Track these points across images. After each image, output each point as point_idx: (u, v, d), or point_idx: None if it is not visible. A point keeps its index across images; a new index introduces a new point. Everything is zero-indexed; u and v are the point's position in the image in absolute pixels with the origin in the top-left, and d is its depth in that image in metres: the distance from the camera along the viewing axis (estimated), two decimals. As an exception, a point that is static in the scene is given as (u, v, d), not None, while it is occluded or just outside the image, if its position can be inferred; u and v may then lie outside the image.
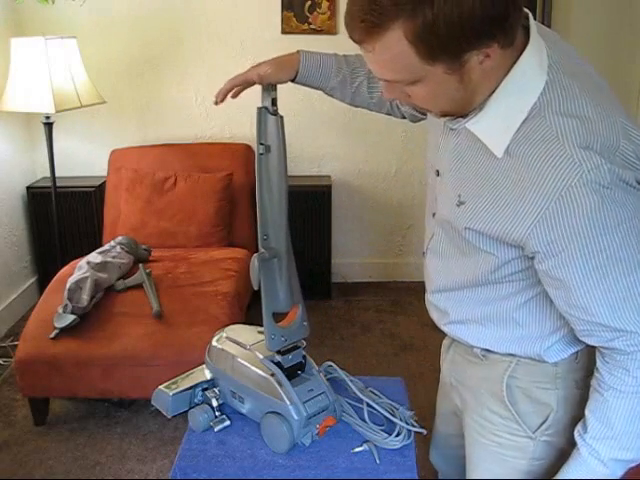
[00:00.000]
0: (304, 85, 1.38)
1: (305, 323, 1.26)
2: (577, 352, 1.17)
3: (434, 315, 1.28)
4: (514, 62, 0.95)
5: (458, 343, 1.27)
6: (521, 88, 0.96)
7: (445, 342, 1.36)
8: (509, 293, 1.13)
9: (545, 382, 1.17)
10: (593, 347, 1.09)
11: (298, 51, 1.35)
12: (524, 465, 1.20)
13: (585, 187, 0.90)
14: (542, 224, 0.95)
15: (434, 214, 1.20)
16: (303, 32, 3.47)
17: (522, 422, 1.18)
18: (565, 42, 1.10)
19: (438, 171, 1.16)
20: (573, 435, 1.10)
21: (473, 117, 1.00)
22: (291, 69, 1.34)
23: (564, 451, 1.16)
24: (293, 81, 1.36)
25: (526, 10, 0.97)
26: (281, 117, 1.15)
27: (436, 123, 1.14)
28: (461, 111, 1.02)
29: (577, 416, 1.14)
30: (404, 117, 1.43)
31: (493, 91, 0.96)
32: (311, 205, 3.42)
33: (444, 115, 1.06)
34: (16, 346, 2.57)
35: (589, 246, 0.94)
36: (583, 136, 0.92)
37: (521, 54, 0.95)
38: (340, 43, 3.87)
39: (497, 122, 0.98)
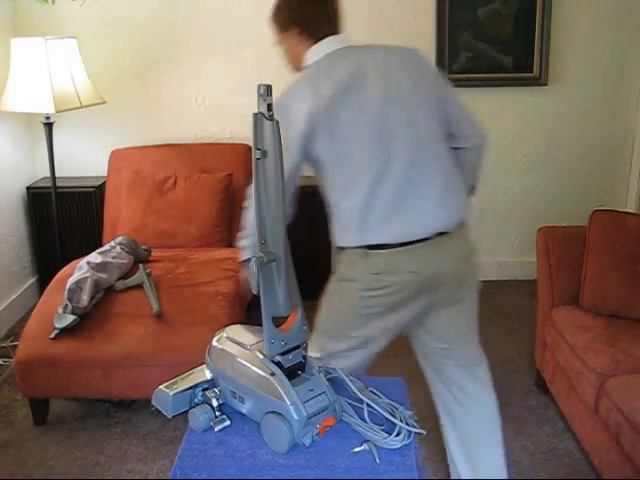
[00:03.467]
0: None
1: (305, 327, 1.26)
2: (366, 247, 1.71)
3: None
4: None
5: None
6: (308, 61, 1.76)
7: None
8: None
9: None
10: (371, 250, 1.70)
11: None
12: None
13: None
14: None
15: None
16: (303, 32, 3.47)
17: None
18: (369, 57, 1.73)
19: None
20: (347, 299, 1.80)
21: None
22: None
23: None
24: None
25: (342, 35, 1.78)
26: (277, 122, 1.15)
27: None
28: (297, 68, 1.83)
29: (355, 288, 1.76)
30: None
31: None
32: (312, 205, 3.40)
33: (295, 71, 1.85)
34: (16, 346, 2.57)
35: None
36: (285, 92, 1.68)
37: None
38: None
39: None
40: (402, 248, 1.68)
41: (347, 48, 1.74)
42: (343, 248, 1.79)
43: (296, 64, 1.82)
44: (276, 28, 1.82)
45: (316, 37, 1.74)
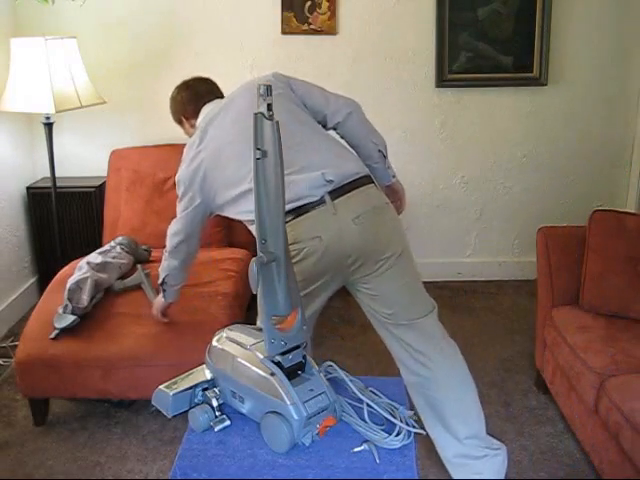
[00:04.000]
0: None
1: (305, 327, 1.26)
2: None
3: None
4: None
5: None
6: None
7: None
8: None
9: None
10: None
11: None
12: None
13: None
14: None
15: None
16: (303, 32, 3.48)
17: None
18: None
19: None
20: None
21: None
22: None
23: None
24: None
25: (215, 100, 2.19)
26: (277, 122, 1.15)
27: None
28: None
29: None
30: None
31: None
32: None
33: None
34: (16, 346, 2.57)
35: None
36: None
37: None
38: (340, 43, 3.91)
39: None
40: (302, 217, 1.80)
41: (217, 102, 2.13)
42: None
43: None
44: (177, 123, 2.32)
45: (197, 112, 2.18)
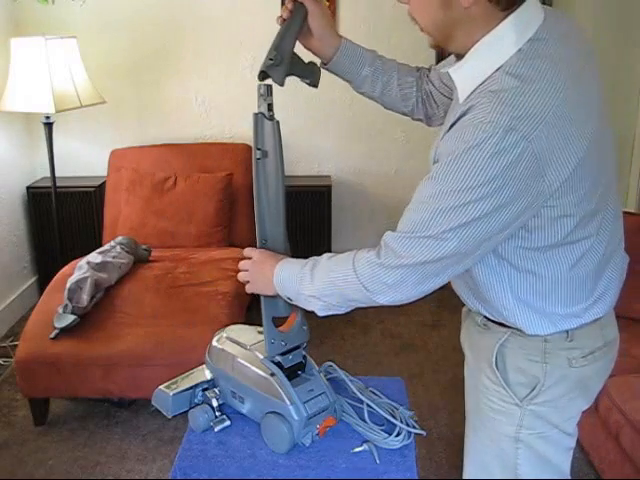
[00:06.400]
0: (335, 72, 1.42)
1: (305, 327, 1.26)
2: (567, 331, 1.22)
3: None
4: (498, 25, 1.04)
5: (471, 312, 1.35)
6: (495, 49, 1.04)
7: (464, 309, 1.42)
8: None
9: (534, 356, 1.22)
10: (588, 328, 1.25)
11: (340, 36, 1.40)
12: (511, 431, 1.25)
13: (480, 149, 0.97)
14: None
15: None
16: (303, 32, 3.47)
17: (509, 390, 1.23)
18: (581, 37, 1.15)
19: (434, 159, 1.14)
20: (563, 409, 1.25)
21: (455, 65, 1.11)
22: (334, 39, 1.41)
23: (554, 424, 1.25)
24: (326, 65, 1.41)
25: (545, 6, 1.10)
26: (277, 122, 1.15)
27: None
28: (440, 41, 1.14)
29: (569, 393, 1.24)
30: (421, 119, 1.51)
31: (473, 45, 1.07)
32: (311, 205, 3.42)
33: (434, 45, 1.19)
34: (16, 346, 2.57)
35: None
36: (514, 105, 0.97)
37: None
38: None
39: (470, 73, 1.08)
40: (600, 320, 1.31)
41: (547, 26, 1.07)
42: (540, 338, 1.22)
43: (447, 39, 1.15)
44: None
45: (505, 5, 1.03)
